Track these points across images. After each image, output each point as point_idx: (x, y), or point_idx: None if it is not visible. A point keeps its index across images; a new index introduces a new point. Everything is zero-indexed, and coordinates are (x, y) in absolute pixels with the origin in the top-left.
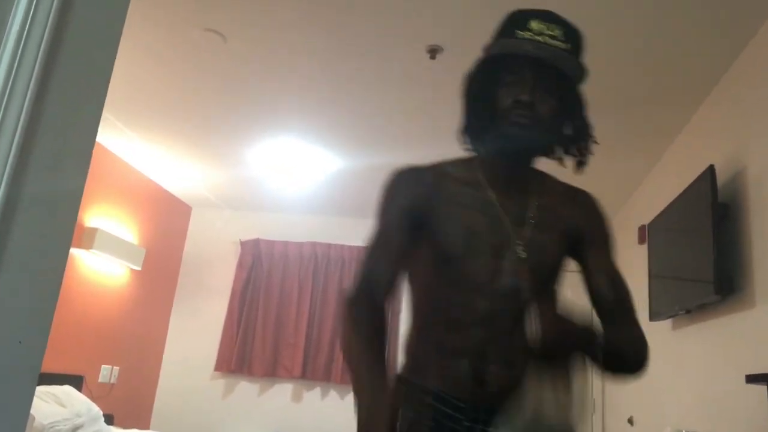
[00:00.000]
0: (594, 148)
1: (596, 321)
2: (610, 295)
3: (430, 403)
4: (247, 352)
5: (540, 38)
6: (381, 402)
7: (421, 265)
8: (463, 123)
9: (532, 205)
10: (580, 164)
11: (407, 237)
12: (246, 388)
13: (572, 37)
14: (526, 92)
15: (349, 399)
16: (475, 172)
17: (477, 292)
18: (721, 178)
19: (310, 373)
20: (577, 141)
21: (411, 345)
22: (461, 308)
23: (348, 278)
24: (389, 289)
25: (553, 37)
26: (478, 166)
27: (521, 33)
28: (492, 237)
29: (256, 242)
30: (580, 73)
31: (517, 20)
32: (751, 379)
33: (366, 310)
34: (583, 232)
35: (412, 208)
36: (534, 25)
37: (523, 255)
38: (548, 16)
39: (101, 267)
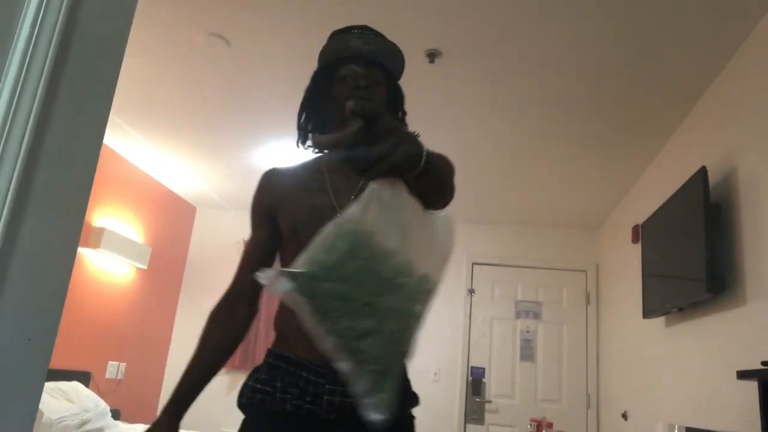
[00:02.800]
0: (589, 149)
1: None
2: None
3: (292, 371)
4: (251, 349)
5: (364, 36)
6: (166, 410)
7: (282, 250)
8: (305, 124)
9: (359, 185)
10: None
11: (268, 234)
12: None
13: (388, 42)
14: (362, 79)
15: None
16: (317, 164)
17: None
18: (713, 179)
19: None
20: None
21: (277, 319)
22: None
23: None
24: (252, 296)
25: (381, 39)
26: (323, 160)
27: (349, 37)
28: (320, 212)
29: None
30: (401, 68)
31: (341, 31)
32: (743, 374)
33: (211, 323)
34: None
35: (268, 208)
36: (356, 32)
37: None
38: (367, 27)
39: (108, 266)
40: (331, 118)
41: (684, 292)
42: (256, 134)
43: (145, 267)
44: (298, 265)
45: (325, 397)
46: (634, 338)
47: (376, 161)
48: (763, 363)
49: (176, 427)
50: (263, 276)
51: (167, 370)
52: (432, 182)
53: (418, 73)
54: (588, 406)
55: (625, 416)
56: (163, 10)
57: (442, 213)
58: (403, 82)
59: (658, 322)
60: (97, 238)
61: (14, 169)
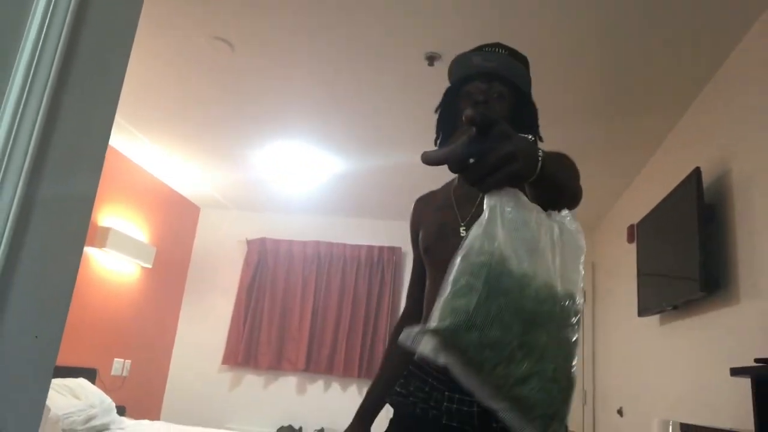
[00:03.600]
0: (585, 149)
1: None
2: None
3: (421, 376)
4: (253, 346)
5: (489, 53)
6: (358, 414)
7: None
8: (440, 143)
9: (480, 194)
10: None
11: (419, 258)
12: (252, 380)
13: (518, 55)
14: (481, 94)
15: (351, 390)
16: (450, 184)
17: (441, 269)
18: (706, 179)
19: (313, 366)
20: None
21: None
22: (434, 285)
23: (350, 275)
24: (412, 315)
25: (502, 54)
26: (456, 179)
27: (472, 55)
28: (446, 228)
29: (262, 241)
30: (527, 81)
31: (471, 50)
32: (736, 371)
33: (390, 342)
34: None
35: (414, 233)
36: (485, 49)
37: (464, 234)
38: (497, 44)
39: (114, 265)
40: (453, 133)
41: (678, 290)
42: (260, 136)
43: (150, 266)
44: (436, 317)
45: (445, 404)
46: (629, 336)
47: (489, 171)
48: (756, 360)
49: (368, 429)
50: (404, 338)
51: (171, 367)
52: (551, 186)
53: (418, 76)
54: (584, 403)
55: (620, 412)
56: (168, 14)
57: (565, 212)
58: (402, 85)
59: (653, 320)
60: (102, 238)
61: (22, 170)
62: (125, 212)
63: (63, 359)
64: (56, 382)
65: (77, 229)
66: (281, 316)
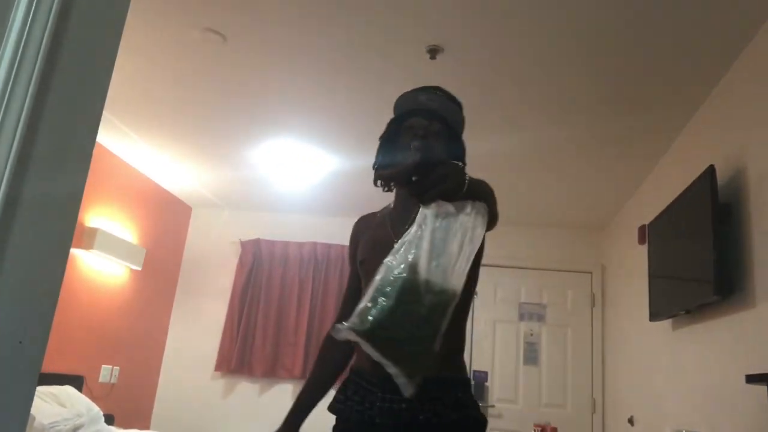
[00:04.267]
0: (595, 148)
1: None
2: None
3: (358, 381)
4: (247, 352)
5: (431, 94)
6: (287, 418)
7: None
8: (378, 167)
9: (412, 216)
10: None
11: (355, 271)
12: (246, 388)
13: (454, 100)
14: (422, 129)
15: None
16: (387, 207)
17: (370, 281)
18: (721, 178)
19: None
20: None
21: None
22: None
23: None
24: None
25: (444, 97)
26: (391, 203)
27: (418, 93)
28: (380, 244)
29: (257, 242)
30: (461, 123)
31: (416, 90)
32: (752, 379)
33: (320, 349)
34: None
35: (354, 246)
36: (429, 90)
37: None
38: (438, 88)
39: (102, 267)
40: (398, 161)
41: (691, 294)
42: (253, 132)
43: (140, 268)
44: (356, 318)
45: (377, 404)
46: (640, 341)
47: (428, 187)
48: None
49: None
50: (335, 331)
51: (162, 374)
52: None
53: (419, 69)
54: (593, 411)
55: (631, 421)
56: (158, 4)
57: (478, 204)
58: (402, 79)
59: (665, 324)
60: (90, 239)
61: (5, 170)
62: (114, 212)
63: (48, 366)
64: (41, 390)
65: (63, 229)
66: (277, 321)
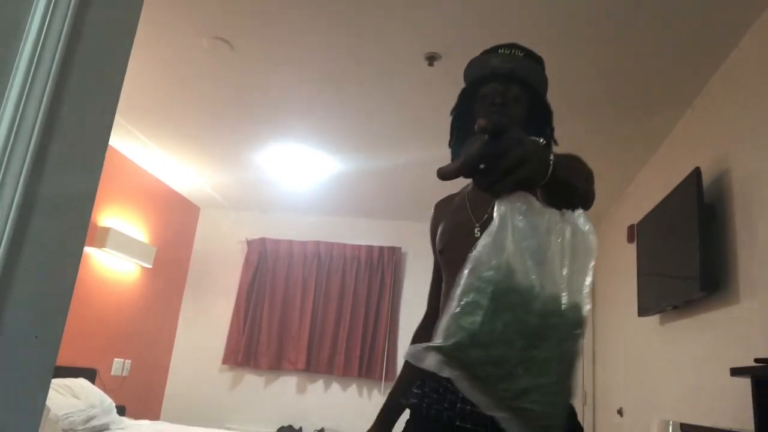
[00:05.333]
0: (584, 150)
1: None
2: None
3: (436, 377)
4: (253, 346)
5: (505, 54)
6: (378, 418)
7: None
8: (454, 145)
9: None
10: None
11: (437, 262)
12: (252, 380)
13: (534, 56)
14: (498, 96)
15: (351, 390)
16: (466, 186)
17: (456, 269)
18: (706, 179)
19: (313, 366)
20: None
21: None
22: (448, 285)
23: (350, 275)
24: (432, 319)
25: (516, 56)
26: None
27: (490, 56)
28: (461, 229)
29: (262, 241)
30: (543, 83)
31: (488, 51)
32: (736, 371)
33: (415, 337)
34: None
35: (434, 233)
36: (501, 51)
37: (478, 234)
38: (514, 45)
39: (114, 265)
40: (470, 138)
41: (678, 290)
42: (260, 136)
43: (150, 266)
44: (441, 334)
45: (458, 405)
46: (629, 336)
47: (500, 176)
48: (756, 360)
49: None
50: (409, 354)
51: (172, 367)
52: (562, 190)
53: (417, 76)
54: (584, 403)
55: (620, 412)
56: (168, 13)
57: (579, 212)
58: (401, 85)
59: (653, 319)
60: (102, 238)
61: (22, 171)
62: (125, 212)
63: (63, 359)
64: (56, 382)
65: (77, 228)
66: (281, 316)
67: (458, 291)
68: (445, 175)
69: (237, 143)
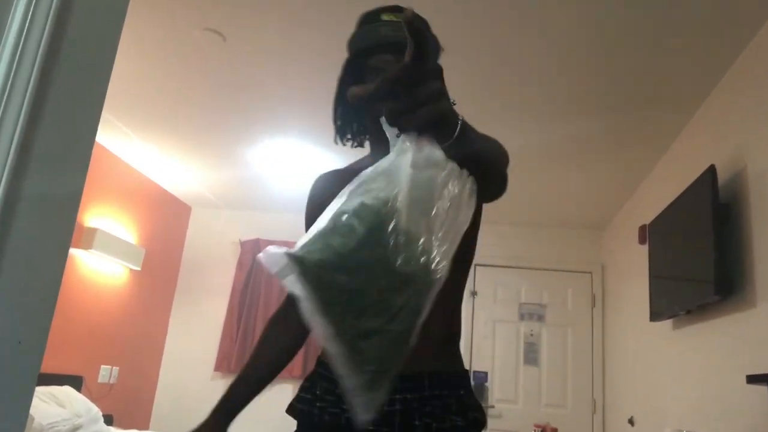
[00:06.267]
0: (595, 148)
1: None
2: None
3: (326, 375)
4: (246, 352)
5: (393, 22)
6: (216, 410)
7: None
8: (339, 119)
9: None
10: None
11: None
12: None
13: (421, 19)
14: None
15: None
16: (358, 162)
17: None
18: (721, 178)
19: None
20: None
21: None
22: None
23: None
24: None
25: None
26: (363, 163)
27: (377, 25)
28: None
29: (256, 242)
30: (435, 47)
31: (370, 15)
32: (752, 379)
33: (267, 327)
34: None
35: (309, 212)
36: (384, 16)
37: None
38: (398, 8)
39: (101, 267)
40: (363, 111)
41: (692, 294)
42: (252, 132)
43: (139, 268)
44: (306, 245)
45: None
46: (640, 341)
47: (415, 106)
48: None
49: (224, 429)
50: (266, 255)
51: (161, 374)
52: (472, 155)
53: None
54: (593, 411)
55: (631, 422)
56: (157, 4)
57: (465, 173)
58: None
59: (666, 324)
60: (89, 239)
61: (4, 168)
62: (113, 212)
63: (47, 366)
64: (40, 390)
65: (63, 229)
66: None
67: (334, 209)
68: (356, 96)
69: (229, 139)
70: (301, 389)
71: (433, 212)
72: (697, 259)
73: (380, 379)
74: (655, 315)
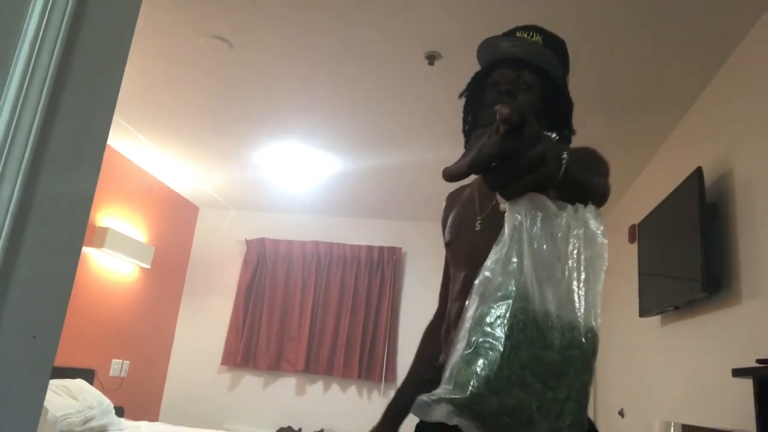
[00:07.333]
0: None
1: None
2: None
3: (436, 379)
4: (252, 347)
5: (520, 38)
6: (384, 415)
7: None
8: (465, 130)
9: None
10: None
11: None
12: (251, 381)
13: (552, 41)
14: (506, 83)
15: (350, 391)
16: (478, 177)
17: (460, 266)
18: (708, 179)
19: (312, 366)
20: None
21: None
22: (454, 282)
23: (350, 276)
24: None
25: (532, 41)
26: None
27: (502, 40)
28: (465, 222)
29: (261, 241)
30: (560, 70)
31: (506, 33)
32: (738, 372)
33: (422, 342)
34: None
35: (444, 227)
36: (518, 33)
37: (478, 228)
38: (532, 27)
39: (112, 265)
40: (485, 125)
41: (680, 290)
42: (259, 135)
43: (149, 266)
44: (450, 378)
45: None
46: (630, 336)
47: (516, 175)
48: (758, 361)
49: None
50: (416, 408)
51: (170, 367)
52: (575, 189)
53: (418, 75)
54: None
55: (621, 413)
56: (166, 12)
57: (590, 207)
58: (401, 85)
59: (655, 320)
60: (101, 238)
61: (19, 171)
62: (124, 212)
63: (61, 360)
64: (54, 383)
65: (75, 228)
66: (280, 317)
67: (467, 324)
68: (452, 175)
69: (236, 142)
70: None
71: (563, 274)
72: (684, 258)
73: None
74: (645, 311)
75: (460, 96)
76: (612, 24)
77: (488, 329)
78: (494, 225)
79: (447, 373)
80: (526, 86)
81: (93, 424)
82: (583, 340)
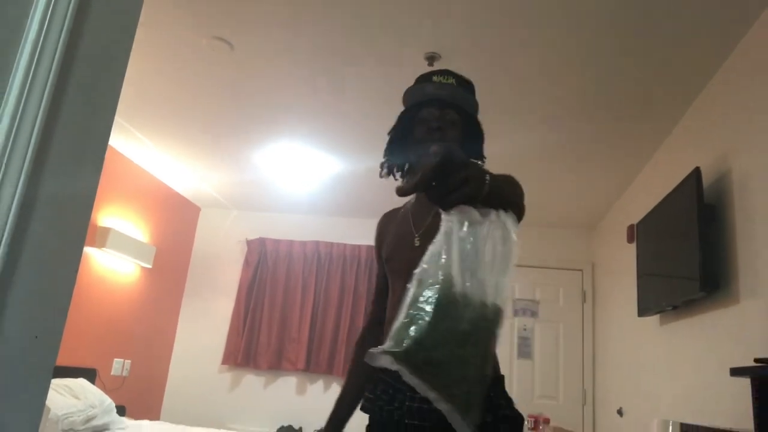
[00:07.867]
0: (585, 150)
1: None
2: None
3: (385, 379)
4: (252, 347)
5: (440, 82)
6: (329, 421)
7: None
8: (389, 164)
9: (433, 210)
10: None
11: (382, 270)
12: (252, 380)
13: (463, 82)
14: (436, 120)
15: None
16: (409, 201)
17: (400, 276)
18: (706, 179)
19: (313, 366)
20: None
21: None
22: (395, 291)
23: (350, 275)
24: (378, 321)
25: (449, 83)
26: (412, 199)
27: (426, 84)
28: (403, 239)
29: (262, 241)
30: (475, 106)
31: (423, 78)
32: (736, 372)
33: (354, 351)
34: None
35: (379, 244)
36: (435, 78)
37: (417, 243)
38: (446, 72)
39: (114, 265)
40: (411, 156)
41: (678, 290)
42: (259, 136)
43: (150, 266)
44: (392, 339)
45: (407, 403)
46: (629, 336)
47: (449, 192)
48: (756, 360)
49: None
50: (369, 356)
51: (171, 367)
52: (496, 202)
53: (418, 75)
54: (584, 403)
55: (620, 412)
56: (167, 14)
57: (508, 217)
58: (402, 85)
59: (653, 320)
60: (102, 238)
61: (22, 170)
62: (125, 212)
63: (63, 359)
64: (56, 382)
65: (77, 228)
66: (281, 316)
67: (407, 301)
68: (404, 191)
69: (237, 143)
70: (368, 390)
71: (484, 258)
72: (683, 257)
73: (472, 406)
74: (643, 311)
75: (389, 133)
76: (611, 24)
77: (421, 305)
78: (431, 240)
79: (389, 335)
80: (451, 123)
81: (95, 423)
82: (490, 314)
